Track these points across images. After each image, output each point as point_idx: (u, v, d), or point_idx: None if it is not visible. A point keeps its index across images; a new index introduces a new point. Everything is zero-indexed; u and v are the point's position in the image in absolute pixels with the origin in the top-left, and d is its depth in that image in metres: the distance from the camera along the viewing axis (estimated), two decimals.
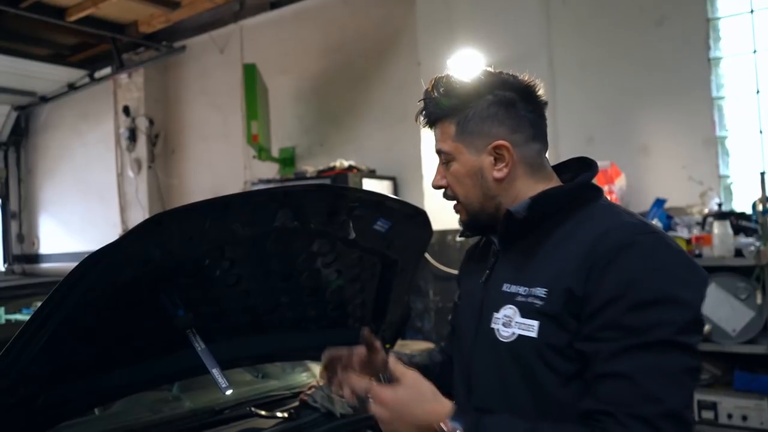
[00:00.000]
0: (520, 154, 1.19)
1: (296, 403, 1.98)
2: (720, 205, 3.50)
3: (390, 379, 1.15)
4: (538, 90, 1.22)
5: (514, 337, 1.12)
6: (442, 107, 1.21)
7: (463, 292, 1.38)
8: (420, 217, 1.79)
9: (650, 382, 0.98)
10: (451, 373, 1.35)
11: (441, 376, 1.33)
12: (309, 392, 1.99)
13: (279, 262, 1.71)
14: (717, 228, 3.18)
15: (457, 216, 1.29)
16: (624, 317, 1.02)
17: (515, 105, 1.19)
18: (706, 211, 3.47)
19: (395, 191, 4.93)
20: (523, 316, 1.12)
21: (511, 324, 1.13)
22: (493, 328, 1.16)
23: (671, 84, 3.82)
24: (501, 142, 1.18)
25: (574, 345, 1.06)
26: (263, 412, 1.93)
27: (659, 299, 1.02)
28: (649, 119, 3.91)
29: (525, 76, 1.23)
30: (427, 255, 4.12)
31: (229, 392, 1.58)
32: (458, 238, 4.13)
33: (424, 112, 1.25)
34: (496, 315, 1.16)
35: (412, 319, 4.42)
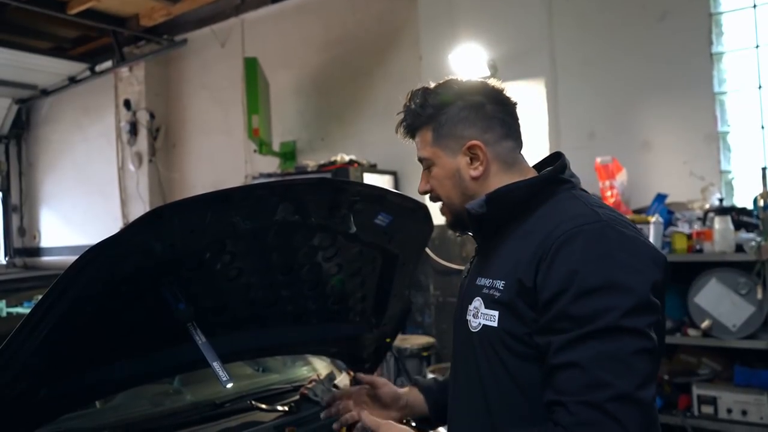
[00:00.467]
0: (494, 152, 1.27)
1: (296, 397, 1.98)
2: (721, 200, 3.50)
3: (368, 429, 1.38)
4: (505, 92, 1.31)
5: (480, 327, 1.21)
6: (418, 117, 1.31)
7: (459, 288, 1.45)
8: (421, 211, 1.79)
9: (598, 369, 1.02)
10: None
11: None
12: (309, 386, 1.98)
13: (280, 255, 1.71)
14: (718, 223, 3.17)
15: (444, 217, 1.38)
16: (570, 307, 1.06)
17: (484, 107, 1.27)
18: (707, 206, 3.47)
19: (396, 186, 4.93)
20: (486, 306, 1.20)
21: (478, 315, 1.22)
22: (467, 320, 1.25)
23: (673, 79, 3.81)
24: (474, 142, 1.26)
25: (533, 337, 1.12)
26: (263, 406, 1.94)
27: (602, 286, 1.06)
28: (650, 114, 3.90)
29: (491, 81, 1.33)
30: (427, 249, 4.12)
31: (229, 386, 1.59)
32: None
33: (404, 124, 1.34)
34: (469, 307, 1.25)
35: (413, 314, 4.42)
